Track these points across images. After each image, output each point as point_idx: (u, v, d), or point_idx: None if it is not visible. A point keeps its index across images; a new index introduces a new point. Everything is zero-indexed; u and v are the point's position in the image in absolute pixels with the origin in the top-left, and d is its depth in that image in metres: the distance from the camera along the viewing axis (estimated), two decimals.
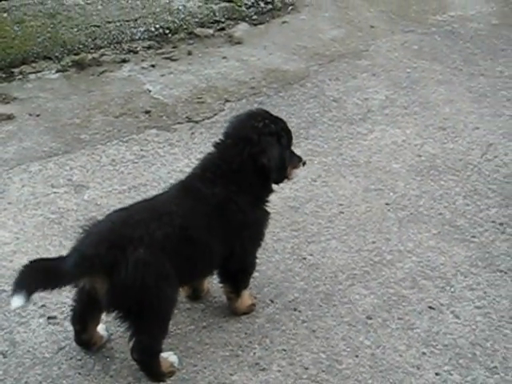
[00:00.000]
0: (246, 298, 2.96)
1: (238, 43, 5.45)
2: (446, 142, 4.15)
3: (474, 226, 3.48)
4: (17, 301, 2.33)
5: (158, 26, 5.47)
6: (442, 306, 3.03)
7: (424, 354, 2.80)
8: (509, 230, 3.45)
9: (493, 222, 3.51)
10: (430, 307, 3.01)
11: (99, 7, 5.29)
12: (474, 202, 3.64)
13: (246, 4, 5.91)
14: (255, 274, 3.05)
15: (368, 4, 6.14)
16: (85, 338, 2.71)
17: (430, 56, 5.20)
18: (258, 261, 3.02)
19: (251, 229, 2.81)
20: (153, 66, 5.04)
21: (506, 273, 3.19)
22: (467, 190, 3.72)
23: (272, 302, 3.04)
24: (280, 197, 3.68)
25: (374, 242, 3.38)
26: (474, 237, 3.41)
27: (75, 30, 5.12)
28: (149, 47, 5.30)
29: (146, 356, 2.59)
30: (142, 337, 2.54)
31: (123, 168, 3.88)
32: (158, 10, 5.51)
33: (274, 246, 3.35)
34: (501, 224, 3.49)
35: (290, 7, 6.06)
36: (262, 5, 5.98)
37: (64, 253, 2.56)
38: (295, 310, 2.99)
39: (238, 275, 2.90)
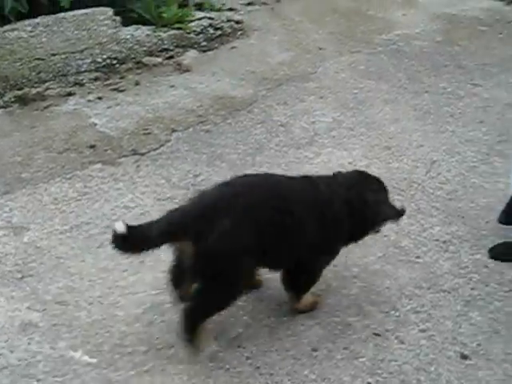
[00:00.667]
0: (307, 299, 3.01)
1: (187, 71, 5.37)
2: (392, 161, 4.10)
3: (418, 246, 3.42)
4: (121, 225, 2.57)
5: (104, 56, 5.37)
6: (387, 331, 2.95)
7: (369, 383, 2.71)
8: (452, 248, 3.39)
9: (436, 240, 3.45)
10: (375, 334, 2.93)
11: (43, 39, 5.16)
12: (418, 222, 3.58)
13: (194, 31, 5.83)
14: None
15: (317, 26, 6.10)
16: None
17: (376, 75, 5.17)
18: None
19: (326, 252, 2.95)
20: (99, 98, 4.94)
21: (449, 292, 3.14)
22: (411, 209, 3.65)
23: (216, 339, 2.92)
24: None
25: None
26: (418, 257, 3.35)
27: (18, 64, 4.99)
28: (96, 79, 5.20)
29: (192, 317, 2.72)
30: (201, 299, 2.70)
31: (65, 207, 3.77)
32: (104, 40, 5.40)
33: None
34: (444, 242, 3.44)
35: (239, 32, 6.01)
36: (211, 31, 5.92)
37: None
38: (239, 346, 2.89)
39: (300, 282, 2.97)
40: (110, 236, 2.72)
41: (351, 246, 3.36)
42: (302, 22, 6.20)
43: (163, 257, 3.33)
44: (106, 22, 5.44)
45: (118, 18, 5.47)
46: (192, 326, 2.73)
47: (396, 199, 3.71)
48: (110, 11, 5.36)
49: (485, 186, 3.83)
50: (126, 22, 5.62)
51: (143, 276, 3.26)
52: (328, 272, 3.24)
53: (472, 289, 3.15)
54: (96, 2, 5.37)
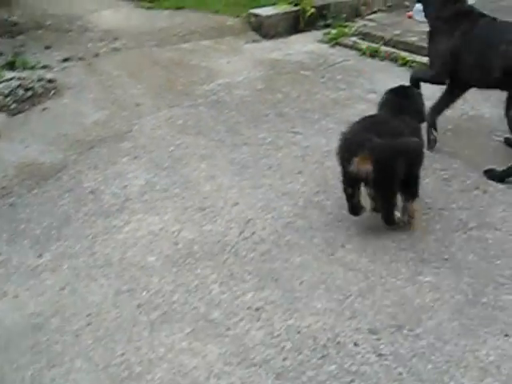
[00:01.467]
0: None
1: None
2: (205, 223, 4.00)
3: (229, 316, 3.31)
4: None
5: None
6: None
7: None
8: (264, 316, 3.31)
9: (249, 308, 3.36)
10: None
11: None
12: (230, 289, 3.48)
13: (2, 93, 5.58)
14: None
15: (135, 80, 6.01)
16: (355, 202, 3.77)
17: (194, 130, 5.10)
18: None
19: None
20: None
21: (260, 366, 3.04)
22: (223, 275, 3.56)
23: None
24: (22, 314, 3.38)
25: (123, 354, 3.13)
26: (228, 329, 3.24)
27: None
28: None
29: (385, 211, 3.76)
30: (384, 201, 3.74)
31: None
32: None
33: (11, 376, 3.02)
34: (257, 309, 3.35)
35: (52, 91, 5.82)
36: (22, 92, 5.69)
37: None
38: None
39: None
40: None
41: (157, 324, 3.24)
42: (120, 77, 6.09)
43: None
44: None
45: None
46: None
47: (207, 266, 3.64)
48: None
49: (300, 242, 3.79)
50: None
51: None
52: (131, 356, 3.11)
53: (284, 359, 3.07)
54: None
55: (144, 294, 3.48)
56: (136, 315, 3.35)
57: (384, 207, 3.80)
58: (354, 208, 3.84)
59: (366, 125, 3.77)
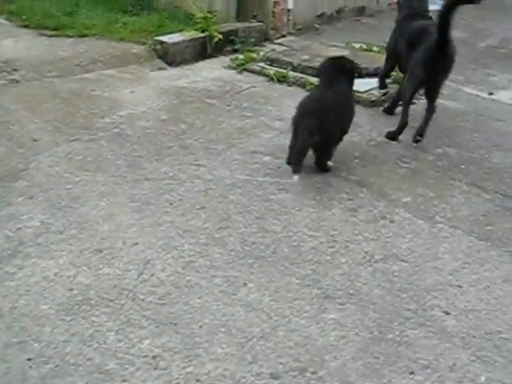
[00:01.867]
0: None
1: None
2: (102, 266, 3.88)
3: (125, 366, 3.21)
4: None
5: None
6: None
7: None
8: (162, 364, 3.21)
9: (145, 356, 3.26)
10: None
11: None
12: (127, 337, 3.38)
13: None
14: None
15: (32, 115, 5.85)
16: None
17: (94, 166, 4.98)
18: None
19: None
20: None
21: None
22: (120, 322, 3.46)
23: None
24: None
25: None
26: (124, 380, 3.13)
27: None
28: None
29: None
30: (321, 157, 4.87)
31: None
32: None
33: None
34: (154, 357, 3.25)
35: None
36: None
37: None
38: None
39: None
40: None
41: (48, 379, 3.12)
42: (17, 111, 5.92)
43: None
44: None
45: None
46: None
47: (103, 312, 3.53)
48: None
49: (201, 283, 3.73)
50: None
51: None
52: None
53: None
54: None
55: (35, 345, 3.34)
56: (26, 370, 3.21)
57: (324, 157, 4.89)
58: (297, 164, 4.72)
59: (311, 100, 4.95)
